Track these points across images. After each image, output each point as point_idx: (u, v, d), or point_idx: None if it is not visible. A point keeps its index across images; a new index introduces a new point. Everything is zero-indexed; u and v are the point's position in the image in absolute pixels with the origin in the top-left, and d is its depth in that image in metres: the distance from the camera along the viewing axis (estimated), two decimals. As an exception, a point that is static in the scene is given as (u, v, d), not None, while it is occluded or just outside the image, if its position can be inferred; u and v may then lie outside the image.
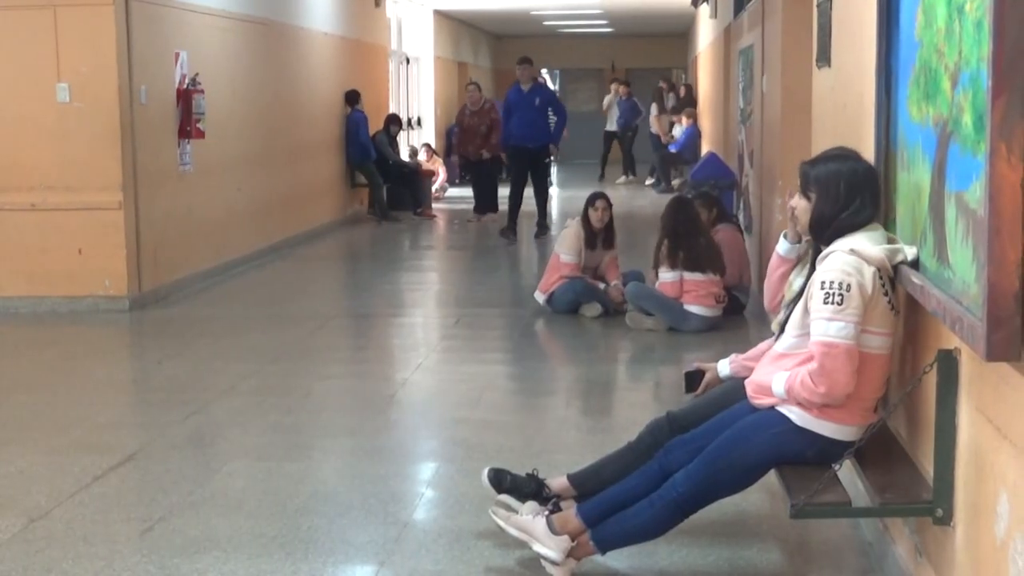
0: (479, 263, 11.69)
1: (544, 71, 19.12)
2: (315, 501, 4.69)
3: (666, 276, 7.94)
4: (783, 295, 4.08)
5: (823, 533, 4.32)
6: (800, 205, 3.75)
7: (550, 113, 13.60)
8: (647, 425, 4.30)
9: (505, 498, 4.32)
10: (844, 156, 3.75)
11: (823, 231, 3.67)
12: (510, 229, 13.17)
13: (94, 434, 5.67)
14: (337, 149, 14.87)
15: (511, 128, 13.37)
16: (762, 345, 4.18)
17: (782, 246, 4.07)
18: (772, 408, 3.68)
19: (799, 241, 4.00)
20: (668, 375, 6.79)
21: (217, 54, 10.70)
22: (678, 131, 19.04)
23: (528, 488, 4.33)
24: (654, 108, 20.79)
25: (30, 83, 8.71)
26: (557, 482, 4.34)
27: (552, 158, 13.94)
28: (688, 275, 7.90)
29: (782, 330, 3.80)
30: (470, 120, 15.20)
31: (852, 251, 3.50)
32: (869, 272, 3.47)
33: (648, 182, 20.12)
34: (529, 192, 13.42)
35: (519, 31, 28.00)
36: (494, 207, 15.02)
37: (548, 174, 14.03)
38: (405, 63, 19.99)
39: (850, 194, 3.63)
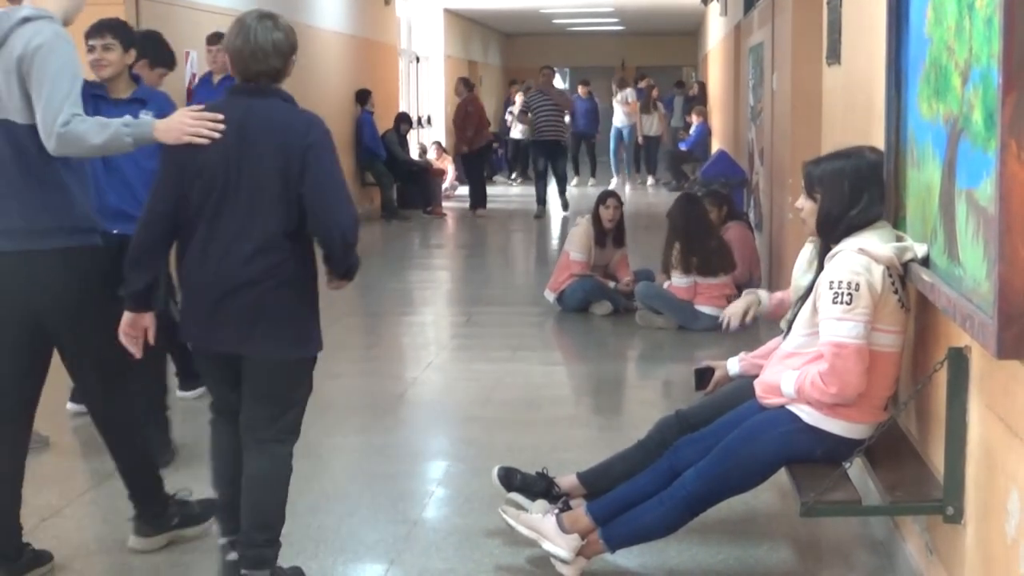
0: (489, 262, 11.68)
1: (554, 69, 18.95)
2: (325, 500, 4.69)
3: (679, 281, 7.91)
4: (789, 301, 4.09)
5: (833, 531, 4.32)
6: (807, 206, 3.74)
7: None
8: (656, 423, 4.30)
9: (515, 496, 4.32)
10: (847, 154, 3.76)
11: (832, 231, 3.66)
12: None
13: (105, 433, 5.67)
14: (347, 148, 14.86)
15: None
16: (771, 343, 4.17)
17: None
18: (782, 406, 3.67)
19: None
20: (678, 373, 6.78)
21: (227, 53, 10.70)
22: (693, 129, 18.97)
23: (538, 487, 4.34)
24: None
25: (41, 83, 8.71)
26: (567, 480, 4.35)
27: None
28: (701, 280, 7.89)
29: (790, 328, 3.79)
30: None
31: (860, 250, 3.48)
32: (878, 271, 3.45)
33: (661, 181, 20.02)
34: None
35: (529, 29, 28.00)
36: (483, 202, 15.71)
37: None
38: (415, 62, 19.98)
39: (856, 191, 3.62)
